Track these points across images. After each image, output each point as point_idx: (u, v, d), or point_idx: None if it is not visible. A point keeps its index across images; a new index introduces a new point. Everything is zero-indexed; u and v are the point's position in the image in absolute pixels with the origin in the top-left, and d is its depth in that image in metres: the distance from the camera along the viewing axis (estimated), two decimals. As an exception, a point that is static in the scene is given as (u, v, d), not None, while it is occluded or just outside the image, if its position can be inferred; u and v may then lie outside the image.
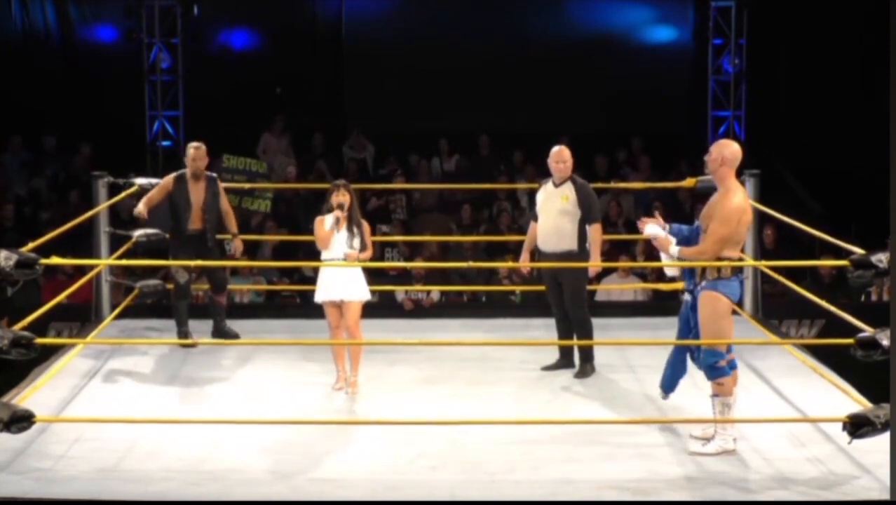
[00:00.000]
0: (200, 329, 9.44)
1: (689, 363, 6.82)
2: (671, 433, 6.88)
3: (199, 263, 8.98)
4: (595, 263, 8.48)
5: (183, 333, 9.26)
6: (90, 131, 14.90)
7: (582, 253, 8.35)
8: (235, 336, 9.35)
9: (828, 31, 14.85)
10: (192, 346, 8.99)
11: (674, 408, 7.10)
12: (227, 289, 9.56)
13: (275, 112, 15.11)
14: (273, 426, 6.95)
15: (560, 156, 8.41)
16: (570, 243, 8.34)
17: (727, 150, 6.61)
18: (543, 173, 8.72)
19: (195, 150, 9.28)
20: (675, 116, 15.51)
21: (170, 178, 9.29)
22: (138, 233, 9.51)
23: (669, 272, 7.27)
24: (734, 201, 6.54)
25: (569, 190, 8.38)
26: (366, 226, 7.98)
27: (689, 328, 6.73)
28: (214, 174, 9.43)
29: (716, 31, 15.23)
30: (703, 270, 6.56)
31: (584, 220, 8.35)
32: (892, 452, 5.80)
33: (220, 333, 9.38)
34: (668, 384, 6.92)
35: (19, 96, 14.86)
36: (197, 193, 9.27)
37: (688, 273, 6.75)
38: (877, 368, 6.31)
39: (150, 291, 9.47)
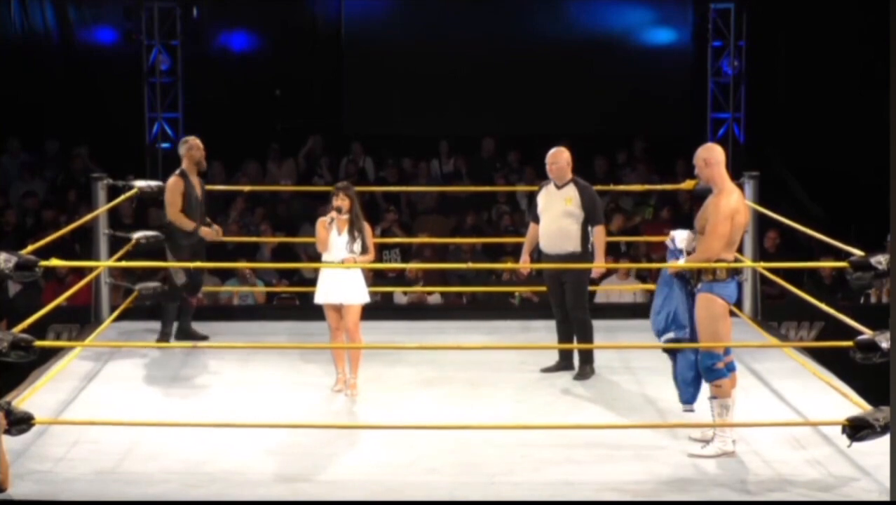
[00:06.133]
0: (202, 331, 9.44)
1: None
2: (671, 435, 6.88)
3: (199, 264, 8.95)
4: (600, 265, 8.49)
5: (166, 334, 9.17)
6: (89, 133, 14.88)
7: (585, 254, 8.37)
8: (203, 338, 9.30)
9: (827, 32, 14.83)
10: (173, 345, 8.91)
11: (673, 410, 7.09)
12: (200, 291, 9.52)
13: (273, 116, 15.09)
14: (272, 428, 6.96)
15: (552, 158, 8.42)
16: (575, 245, 8.35)
17: (704, 152, 6.69)
18: (543, 175, 8.72)
19: (196, 140, 9.11)
20: (674, 118, 15.49)
21: (176, 179, 9.04)
22: (138, 235, 9.50)
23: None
24: (725, 201, 6.57)
25: (572, 192, 8.38)
26: (368, 229, 7.98)
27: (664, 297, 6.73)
28: None
29: (715, 32, 15.22)
30: (699, 272, 6.57)
31: (588, 222, 8.36)
32: (892, 454, 5.79)
33: (186, 334, 9.29)
34: (688, 396, 6.77)
35: (18, 98, 14.83)
36: (199, 190, 9.20)
37: (671, 254, 6.78)
38: (877, 370, 6.30)
39: (149, 294, 9.46)
